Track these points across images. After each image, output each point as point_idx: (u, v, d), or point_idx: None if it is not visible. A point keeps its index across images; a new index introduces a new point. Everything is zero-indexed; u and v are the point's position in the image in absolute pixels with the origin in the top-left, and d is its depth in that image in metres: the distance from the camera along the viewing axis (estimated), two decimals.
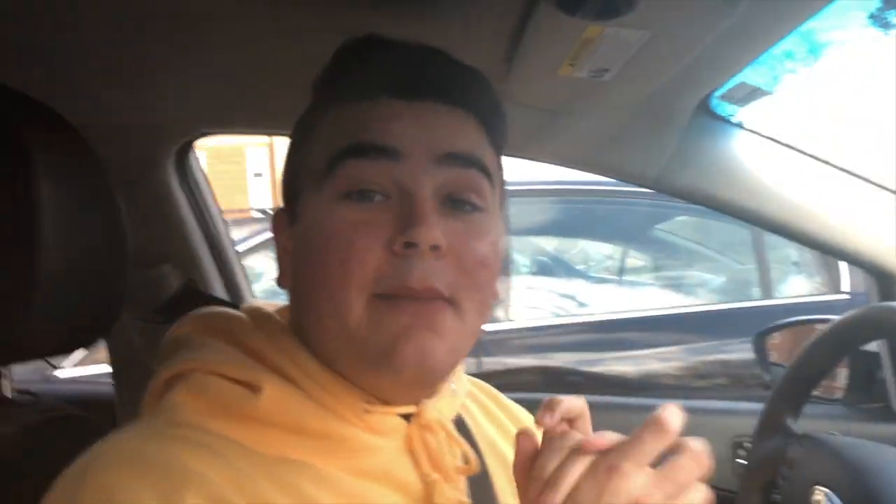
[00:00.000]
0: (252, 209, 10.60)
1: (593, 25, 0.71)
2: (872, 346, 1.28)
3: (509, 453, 0.69)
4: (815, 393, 1.02)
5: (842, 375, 1.33)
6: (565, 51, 0.77)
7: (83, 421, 0.76)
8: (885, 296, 1.23)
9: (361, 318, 0.55)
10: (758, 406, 1.06)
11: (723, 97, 1.08)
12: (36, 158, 0.65)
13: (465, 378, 0.71)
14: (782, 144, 1.14)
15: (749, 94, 1.15)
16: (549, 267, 3.07)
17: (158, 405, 0.58)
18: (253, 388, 0.56)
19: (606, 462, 0.45)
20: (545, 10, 0.69)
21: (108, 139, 0.92)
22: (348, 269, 0.55)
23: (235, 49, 0.89)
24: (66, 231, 0.68)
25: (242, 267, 1.42)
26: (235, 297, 1.35)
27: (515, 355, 2.60)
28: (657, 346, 2.67)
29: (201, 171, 1.34)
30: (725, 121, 1.11)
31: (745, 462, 1.07)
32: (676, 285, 3.04)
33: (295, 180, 0.63)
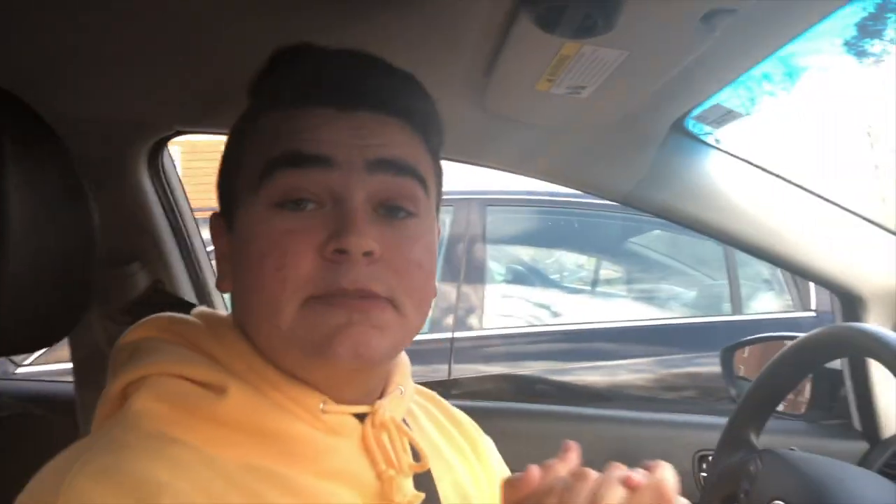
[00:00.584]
0: None
1: (571, 43, 0.72)
2: (836, 364, 1.31)
3: (452, 458, 0.70)
4: (779, 408, 1.04)
5: (807, 391, 1.36)
6: (543, 66, 0.78)
7: (41, 420, 0.75)
8: (850, 315, 1.26)
9: (295, 318, 0.56)
10: (722, 420, 1.07)
11: (698, 118, 1.09)
12: (4, 151, 0.64)
13: (411, 383, 0.72)
14: (754, 166, 1.16)
15: (724, 116, 1.17)
16: (525, 276, 3.09)
17: (120, 412, 0.57)
18: (217, 391, 0.57)
19: None
20: (524, 26, 0.70)
21: (82, 134, 0.91)
22: (284, 276, 0.56)
23: (214, 47, 0.89)
24: (34, 227, 0.66)
25: (212, 268, 1.41)
26: (204, 298, 1.34)
27: (486, 363, 2.61)
28: (628, 357, 2.69)
29: (174, 169, 1.33)
30: (700, 140, 1.12)
31: (707, 475, 1.09)
32: (649, 298, 3.08)
33: (230, 187, 0.63)
